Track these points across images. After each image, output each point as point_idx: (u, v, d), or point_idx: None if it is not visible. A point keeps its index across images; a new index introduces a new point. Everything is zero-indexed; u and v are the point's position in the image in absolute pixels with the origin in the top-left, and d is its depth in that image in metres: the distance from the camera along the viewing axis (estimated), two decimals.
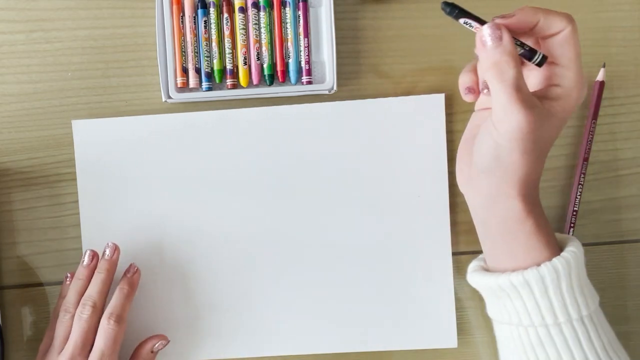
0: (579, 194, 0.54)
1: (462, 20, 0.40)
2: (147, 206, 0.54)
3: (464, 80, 0.46)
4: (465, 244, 0.55)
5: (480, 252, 0.55)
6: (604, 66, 0.54)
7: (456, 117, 0.55)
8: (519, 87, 0.39)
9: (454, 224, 0.54)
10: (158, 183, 0.54)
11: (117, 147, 0.54)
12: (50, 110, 0.54)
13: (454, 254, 0.54)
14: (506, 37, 0.39)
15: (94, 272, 0.51)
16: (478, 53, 0.41)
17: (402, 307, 0.54)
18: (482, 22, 0.40)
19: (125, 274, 0.52)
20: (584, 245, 0.55)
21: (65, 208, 0.54)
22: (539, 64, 0.41)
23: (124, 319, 0.49)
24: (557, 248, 0.44)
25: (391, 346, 0.54)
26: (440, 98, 0.54)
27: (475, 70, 0.46)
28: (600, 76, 0.54)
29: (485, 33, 0.40)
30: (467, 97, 0.46)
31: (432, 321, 0.54)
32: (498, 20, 0.40)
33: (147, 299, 0.54)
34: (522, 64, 0.42)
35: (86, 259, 0.51)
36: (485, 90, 0.45)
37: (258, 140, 0.54)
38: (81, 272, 0.51)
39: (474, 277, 0.47)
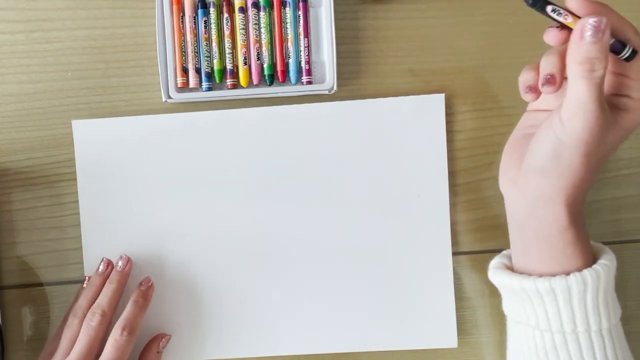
0: None
1: (549, 8, 0.38)
2: (147, 206, 0.54)
3: (525, 79, 0.43)
4: (465, 244, 0.55)
5: (480, 252, 0.55)
6: None
7: (456, 117, 0.55)
8: (602, 87, 0.38)
9: (454, 224, 0.54)
10: (158, 183, 0.54)
11: (117, 147, 0.54)
12: (50, 110, 0.54)
13: (454, 254, 0.54)
14: (607, 34, 0.37)
15: (107, 280, 0.52)
16: (571, 43, 0.38)
17: (402, 307, 0.54)
18: (571, 13, 0.38)
19: (139, 286, 0.52)
20: None
21: (65, 208, 0.54)
22: (628, 59, 0.39)
23: (136, 331, 0.50)
24: (590, 258, 0.44)
25: (391, 346, 0.54)
26: (440, 98, 0.54)
27: (537, 70, 0.43)
28: None
29: (588, 25, 0.37)
30: (526, 96, 0.44)
31: (432, 321, 0.54)
32: (580, 4, 0.39)
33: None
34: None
35: (102, 267, 0.52)
36: (545, 87, 0.41)
37: (258, 141, 0.54)
38: (95, 279, 0.52)
39: (497, 275, 0.46)
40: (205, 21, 0.53)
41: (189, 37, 0.53)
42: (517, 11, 0.55)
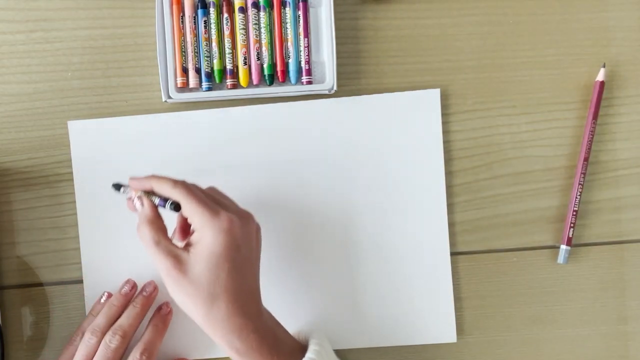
0: (579, 194, 0.54)
1: (121, 189, 0.49)
2: None
3: None
4: (463, 244, 0.55)
5: (479, 252, 0.55)
6: (604, 66, 0.54)
7: (454, 117, 0.55)
8: (157, 241, 0.45)
9: (453, 224, 0.54)
10: None
11: (114, 147, 0.54)
12: (50, 110, 0.54)
13: (453, 254, 0.54)
14: (145, 203, 0.47)
15: (128, 302, 0.51)
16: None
17: (400, 305, 0.54)
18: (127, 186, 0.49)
19: (159, 310, 0.52)
20: (584, 245, 0.55)
21: (64, 208, 0.54)
22: (175, 210, 0.45)
23: (155, 356, 0.50)
24: (301, 351, 0.46)
25: (389, 342, 0.54)
26: (435, 93, 0.54)
27: None
28: (600, 76, 0.54)
29: (134, 204, 0.47)
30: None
31: (430, 317, 0.54)
32: (133, 184, 0.48)
33: None
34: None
35: (125, 287, 0.52)
36: None
37: (255, 138, 0.54)
38: (117, 298, 0.51)
39: None
40: (205, 21, 0.53)
41: (189, 37, 0.53)
42: (517, 11, 0.55)
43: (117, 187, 0.49)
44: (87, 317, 0.52)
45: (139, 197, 0.47)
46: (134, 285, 0.52)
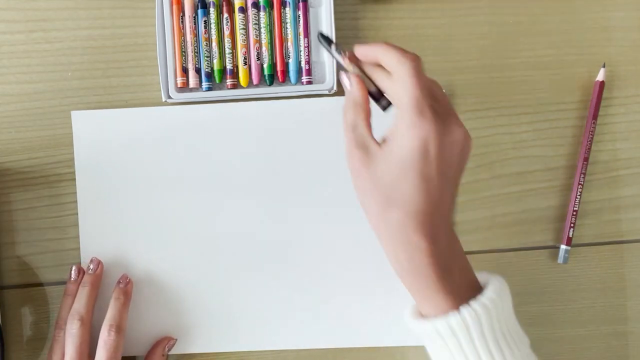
0: (579, 194, 0.54)
1: (332, 47, 0.45)
2: (146, 201, 0.54)
3: None
4: (463, 244, 0.55)
5: (479, 252, 0.55)
6: (604, 66, 0.54)
7: None
8: (354, 126, 0.42)
9: (453, 224, 0.54)
10: (157, 179, 0.54)
11: (117, 140, 0.54)
12: (50, 110, 0.54)
13: None
14: (354, 84, 0.43)
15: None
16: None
17: (400, 307, 0.54)
18: (344, 52, 0.44)
19: (117, 284, 0.52)
20: (584, 245, 0.55)
21: (64, 208, 0.54)
22: (383, 109, 0.43)
23: (123, 328, 0.50)
24: (473, 292, 0.41)
25: (390, 342, 0.54)
26: None
27: None
28: (600, 76, 0.54)
29: (342, 78, 0.44)
30: None
31: None
32: (358, 52, 0.43)
33: (145, 296, 0.54)
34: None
35: (73, 274, 0.52)
36: None
37: (258, 134, 0.54)
38: (69, 288, 0.52)
39: (405, 317, 0.44)
40: (205, 21, 0.53)
41: (189, 37, 0.53)
42: (517, 11, 0.55)
43: (327, 40, 0.45)
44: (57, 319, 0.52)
45: (346, 77, 0.43)
46: (80, 269, 0.52)
